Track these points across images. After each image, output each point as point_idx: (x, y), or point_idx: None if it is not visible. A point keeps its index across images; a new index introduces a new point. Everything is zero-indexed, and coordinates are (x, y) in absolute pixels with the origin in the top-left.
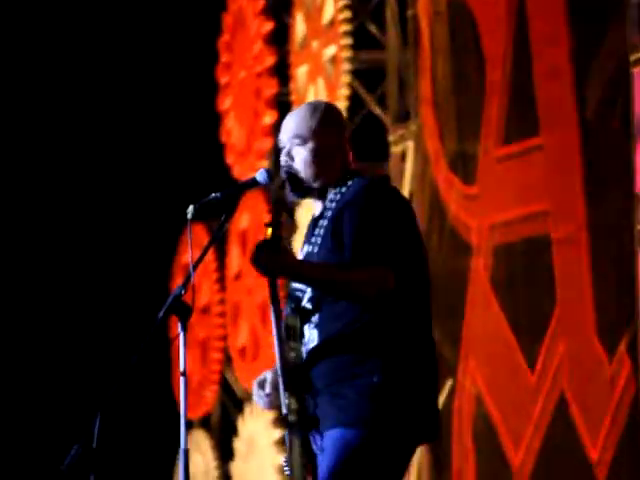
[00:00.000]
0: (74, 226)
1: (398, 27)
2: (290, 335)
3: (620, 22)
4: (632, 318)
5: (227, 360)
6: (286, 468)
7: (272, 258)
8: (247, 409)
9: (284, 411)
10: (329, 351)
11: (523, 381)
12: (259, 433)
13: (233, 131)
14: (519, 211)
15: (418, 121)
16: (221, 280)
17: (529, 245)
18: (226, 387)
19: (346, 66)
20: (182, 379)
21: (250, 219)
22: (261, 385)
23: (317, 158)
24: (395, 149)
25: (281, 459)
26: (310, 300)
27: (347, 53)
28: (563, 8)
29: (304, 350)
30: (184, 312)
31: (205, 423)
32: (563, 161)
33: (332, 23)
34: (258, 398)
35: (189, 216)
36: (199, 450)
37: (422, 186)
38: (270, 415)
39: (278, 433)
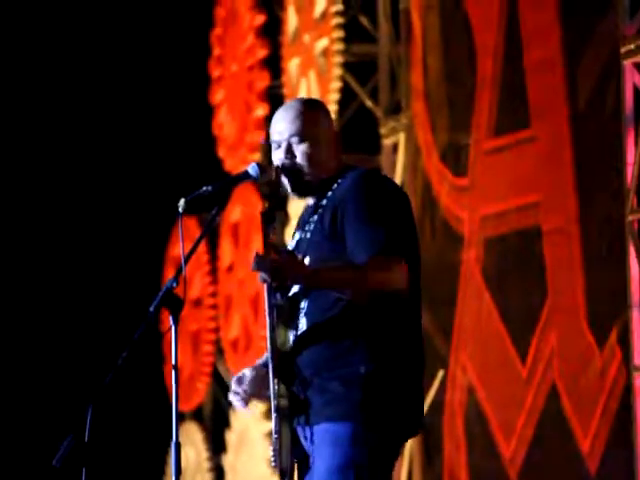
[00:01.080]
0: (65, 220)
1: (390, 20)
2: (280, 321)
3: (611, 14)
4: (623, 309)
5: (219, 352)
6: (273, 459)
7: (279, 266)
8: None
9: (272, 398)
10: (315, 339)
11: (514, 372)
12: (251, 425)
13: (225, 124)
14: (510, 203)
15: (409, 113)
16: (213, 273)
17: (520, 237)
18: (218, 379)
19: (338, 59)
20: (174, 372)
21: (242, 212)
22: (239, 381)
23: (319, 154)
24: (387, 141)
25: (269, 450)
26: (300, 288)
27: (339, 46)
28: (554, 0)
29: (292, 337)
30: (176, 305)
31: (197, 415)
32: (554, 153)
33: (324, 16)
34: (233, 395)
35: (180, 209)
36: (191, 442)
37: (414, 178)
38: (262, 407)
39: (270, 425)
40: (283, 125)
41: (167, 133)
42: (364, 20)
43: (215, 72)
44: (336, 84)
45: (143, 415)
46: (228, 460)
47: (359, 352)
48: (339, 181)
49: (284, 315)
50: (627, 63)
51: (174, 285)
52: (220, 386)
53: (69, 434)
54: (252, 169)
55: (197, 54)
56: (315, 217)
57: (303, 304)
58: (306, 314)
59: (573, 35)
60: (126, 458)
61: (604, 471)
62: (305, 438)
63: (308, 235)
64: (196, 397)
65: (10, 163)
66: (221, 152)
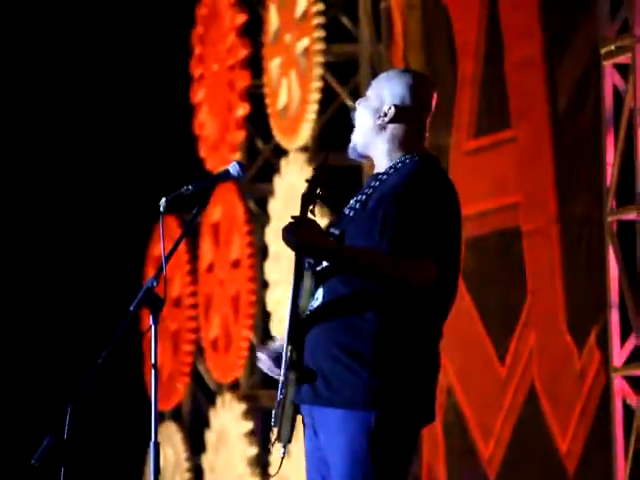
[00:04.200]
0: (46, 220)
1: (371, 20)
2: (302, 292)
3: (592, 15)
4: (602, 310)
5: (199, 352)
6: (273, 422)
7: (304, 235)
8: (219, 401)
9: (283, 363)
10: (329, 315)
11: (493, 373)
12: (230, 425)
13: (206, 123)
14: (491, 203)
15: None
16: (193, 272)
17: (500, 237)
18: (198, 379)
19: (319, 59)
20: (153, 371)
21: (222, 211)
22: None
23: (364, 122)
24: None
25: (248, 449)
26: (329, 264)
27: (320, 46)
28: (535, 0)
29: (309, 307)
30: (156, 304)
31: (176, 415)
32: (534, 154)
33: (305, 16)
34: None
35: (161, 209)
36: (170, 442)
37: None
38: (241, 407)
39: (249, 425)
40: (378, 79)
41: (148, 132)
42: (345, 20)
43: (196, 71)
44: (317, 84)
45: (122, 414)
46: (207, 460)
47: (371, 337)
48: (398, 166)
49: (306, 286)
50: (607, 64)
51: (154, 284)
52: (200, 386)
53: (48, 433)
54: (233, 168)
55: (178, 53)
56: (363, 197)
57: (327, 279)
58: (325, 286)
59: (554, 36)
60: (105, 457)
61: (582, 472)
62: (307, 415)
63: (351, 213)
64: (175, 397)
65: None
66: (202, 151)
